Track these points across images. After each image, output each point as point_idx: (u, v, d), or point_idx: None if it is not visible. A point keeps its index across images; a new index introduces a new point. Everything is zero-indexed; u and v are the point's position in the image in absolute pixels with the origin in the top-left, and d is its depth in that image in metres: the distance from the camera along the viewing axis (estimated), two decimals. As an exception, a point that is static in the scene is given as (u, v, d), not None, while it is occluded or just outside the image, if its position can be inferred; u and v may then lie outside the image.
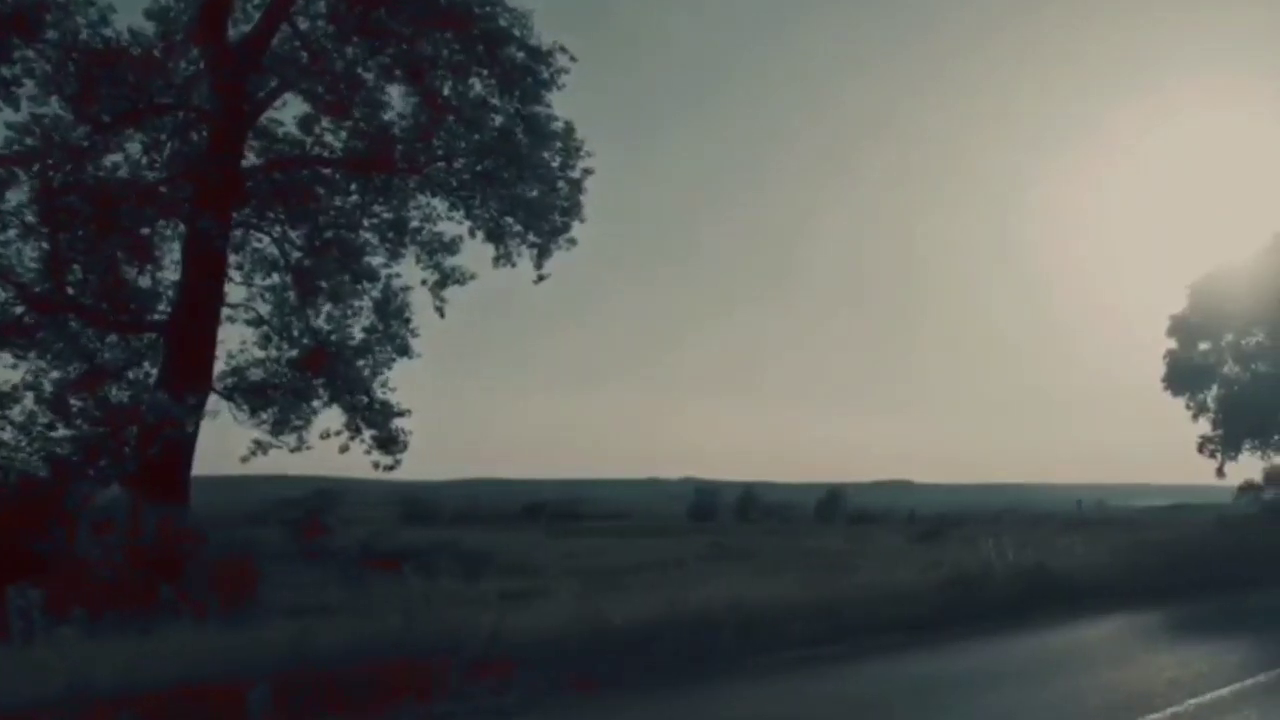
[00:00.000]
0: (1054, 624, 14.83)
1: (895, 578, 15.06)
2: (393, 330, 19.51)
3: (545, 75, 18.30)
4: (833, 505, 53.55)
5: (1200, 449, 47.89)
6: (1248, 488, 47.99)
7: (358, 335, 18.90)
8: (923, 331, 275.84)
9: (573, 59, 18.44)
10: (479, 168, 18.59)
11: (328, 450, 18.95)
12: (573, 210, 19.48)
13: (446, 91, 17.56)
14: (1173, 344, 48.97)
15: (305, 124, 17.81)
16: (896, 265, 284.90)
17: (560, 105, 18.63)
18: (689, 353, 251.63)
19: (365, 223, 19.50)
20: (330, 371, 17.88)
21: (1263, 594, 17.65)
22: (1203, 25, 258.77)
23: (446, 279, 19.69)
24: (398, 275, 19.76)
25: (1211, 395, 47.71)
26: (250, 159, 17.95)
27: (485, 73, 17.83)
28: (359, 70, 17.15)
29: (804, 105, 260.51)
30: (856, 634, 12.86)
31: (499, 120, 18.12)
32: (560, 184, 19.43)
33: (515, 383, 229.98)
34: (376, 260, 19.68)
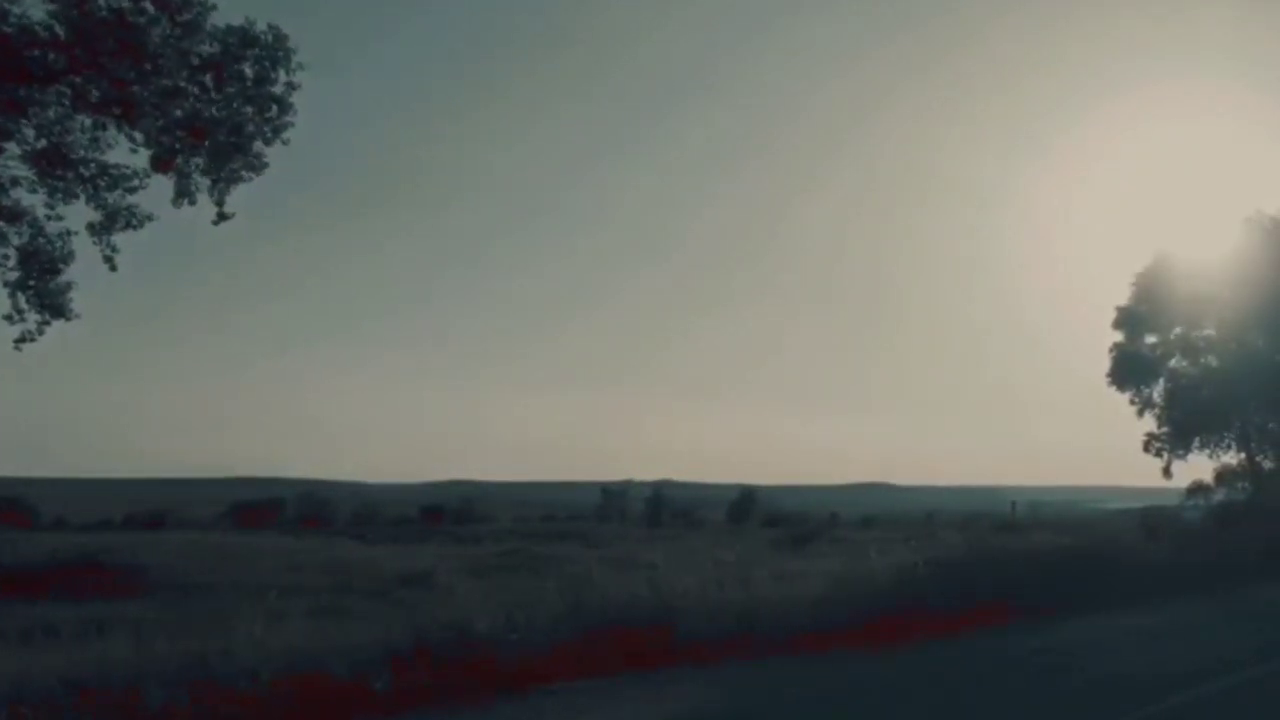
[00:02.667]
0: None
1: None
2: (45, 286, 15.04)
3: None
4: (746, 506, 48.72)
5: (1146, 447, 43.13)
6: (1197, 489, 43.09)
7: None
8: (903, 334, 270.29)
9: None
10: (133, 81, 14.07)
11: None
12: (271, 133, 15.03)
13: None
14: (1119, 337, 44.37)
15: None
16: (874, 268, 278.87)
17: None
18: (667, 356, 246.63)
19: (14, 149, 14.98)
20: None
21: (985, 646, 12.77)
22: (1171, 35, 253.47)
23: (114, 220, 15.20)
24: (58, 217, 15.27)
25: (1158, 390, 42.97)
26: None
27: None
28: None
29: (778, 108, 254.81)
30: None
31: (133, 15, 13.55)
32: (261, 102, 15.03)
33: (505, 385, 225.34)
34: (35, 197, 15.19)
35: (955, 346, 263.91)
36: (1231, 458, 42.59)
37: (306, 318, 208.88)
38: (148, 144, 14.77)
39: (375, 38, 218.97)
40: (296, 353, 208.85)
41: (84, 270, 15.81)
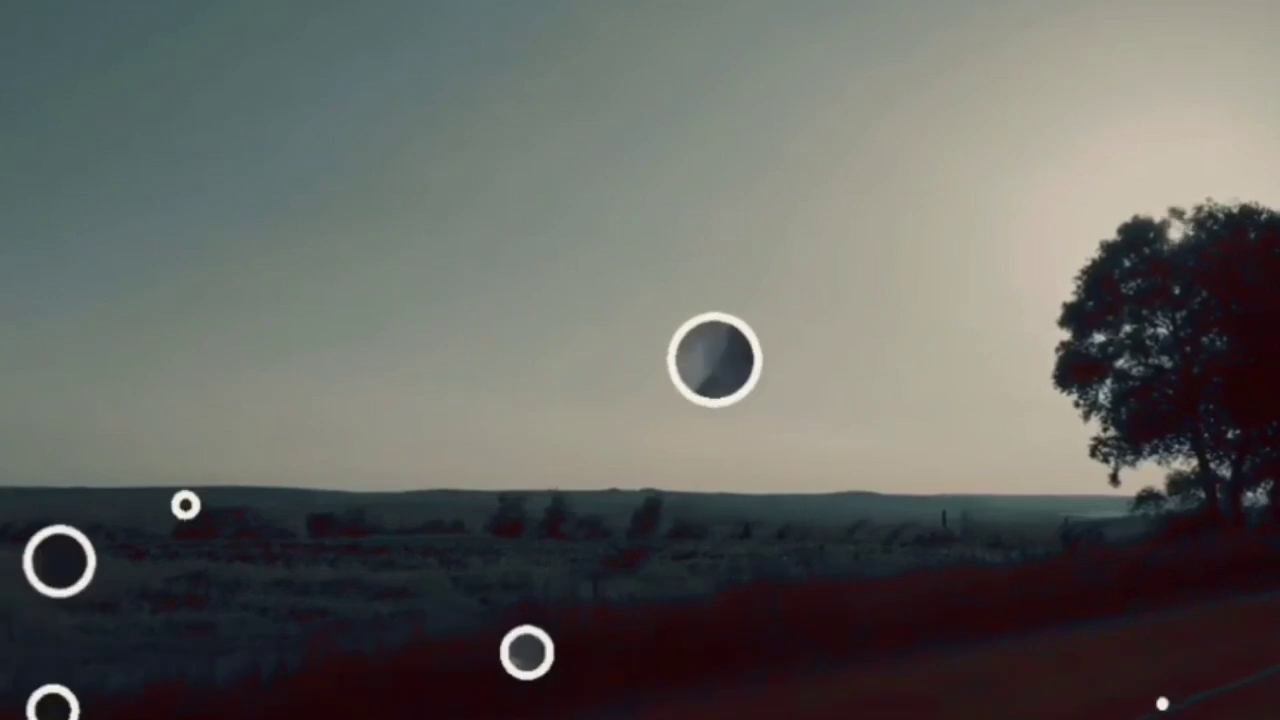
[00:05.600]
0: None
1: None
2: None
3: None
4: (652, 515, 44.66)
5: (1093, 453, 38.72)
6: (1146, 497, 38.61)
7: None
8: (897, 344, 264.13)
9: None
10: None
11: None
12: None
13: None
14: (1066, 335, 39.96)
15: None
16: (864, 279, 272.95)
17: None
18: (655, 362, 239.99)
19: None
20: None
21: None
22: (1180, 56, 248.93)
23: None
24: None
25: (1104, 392, 38.58)
26: None
27: None
28: None
29: (780, 119, 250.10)
30: None
31: None
32: None
33: (505, 392, 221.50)
34: None
35: (950, 356, 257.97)
36: (1184, 464, 38.25)
37: (305, 324, 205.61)
38: None
39: (377, 44, 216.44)
40: (295, 359, 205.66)
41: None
